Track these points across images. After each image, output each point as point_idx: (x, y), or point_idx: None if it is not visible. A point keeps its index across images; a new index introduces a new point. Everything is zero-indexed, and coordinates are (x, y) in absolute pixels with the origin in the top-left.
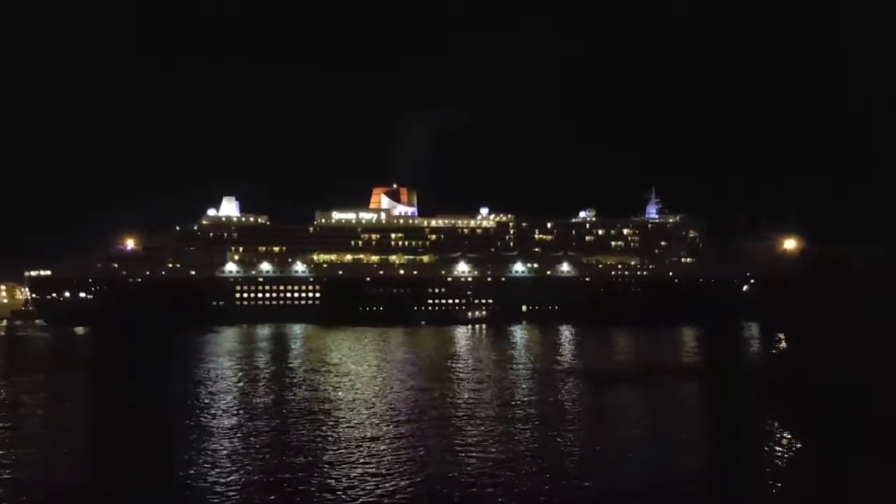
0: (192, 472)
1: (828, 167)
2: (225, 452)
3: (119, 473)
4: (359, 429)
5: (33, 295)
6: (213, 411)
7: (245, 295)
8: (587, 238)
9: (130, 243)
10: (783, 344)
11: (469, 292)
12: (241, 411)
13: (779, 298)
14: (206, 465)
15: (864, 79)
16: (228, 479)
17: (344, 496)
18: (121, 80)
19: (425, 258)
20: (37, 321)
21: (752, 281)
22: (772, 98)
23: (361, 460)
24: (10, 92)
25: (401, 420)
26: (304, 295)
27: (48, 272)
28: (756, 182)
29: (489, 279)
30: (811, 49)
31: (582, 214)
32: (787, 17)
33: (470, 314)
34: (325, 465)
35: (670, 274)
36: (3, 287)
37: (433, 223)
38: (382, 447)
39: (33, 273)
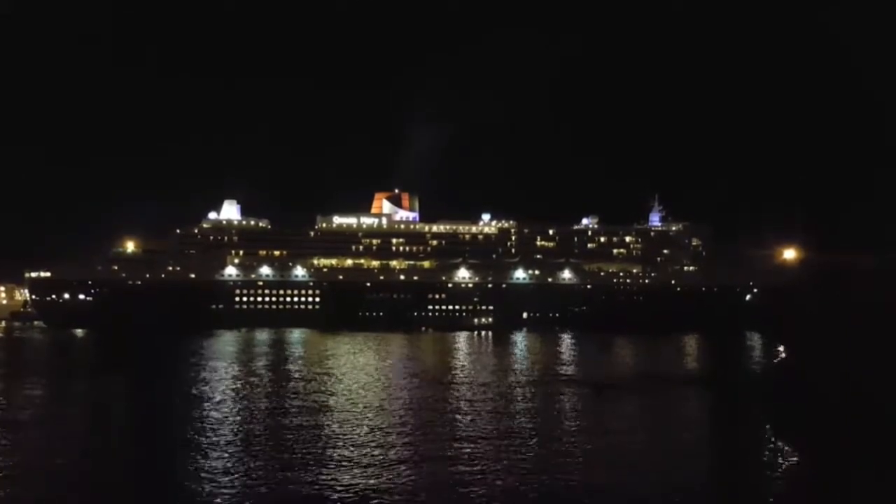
0: (188, 477)
1: (828, 176)
2: (222, 457)
3: (117, 477)
4: (358, 437)
5: (33, 296)
6: (210, 416)
7: (245, 299)
8: (589, 245)
9: (130, 246)
10: (784, 353)
11: (470, 298)
12: (238, 417)
13: (781, 307)
14: (204, 470)
15: (866, 85)
16: (226, 483)
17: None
18: (122, 82)
19: (426, 263)
20: (36, 323)
21: (754, 290)
22: (773, 104)
23: (360, 469)
24: (9, 95)
25: (400, 429)
26: (304, 299)
27: (48, 274)
28: (758, 190)
29: (490, 285)
30: (812, 55)
31: (584, 221)
32: (789, 21)
33: (476, 321)
34: (323, 473)
35: (673, 282)
36: (3, 288)
37: (434, 228)
38: (382, 455)
39: (33, 274)
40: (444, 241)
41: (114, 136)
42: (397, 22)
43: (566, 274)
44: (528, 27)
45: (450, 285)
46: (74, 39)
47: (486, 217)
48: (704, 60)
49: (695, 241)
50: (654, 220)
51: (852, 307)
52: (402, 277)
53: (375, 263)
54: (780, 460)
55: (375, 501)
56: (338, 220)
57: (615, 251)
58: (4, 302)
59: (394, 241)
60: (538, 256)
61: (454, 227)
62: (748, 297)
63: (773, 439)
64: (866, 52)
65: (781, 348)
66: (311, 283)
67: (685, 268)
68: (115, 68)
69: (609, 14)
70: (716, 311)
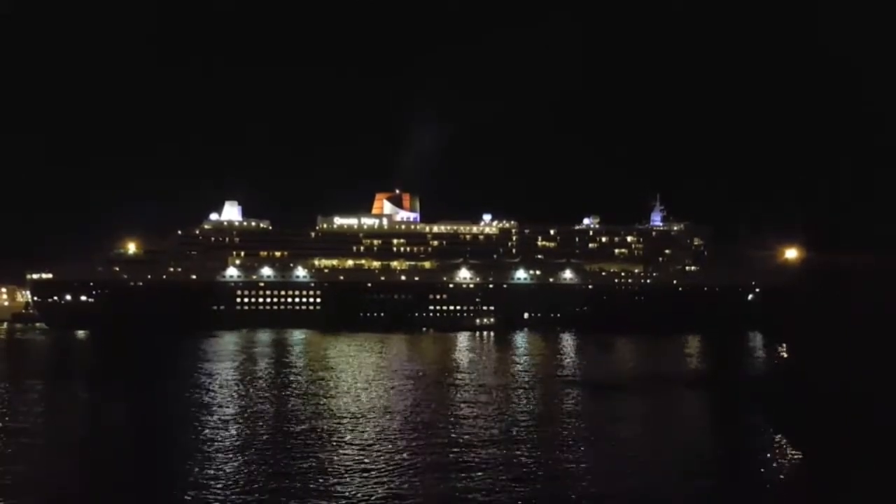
0: (189, 483)
1: (828, 176)
2: (224, 461)
3: (117, 479)
4: (360, 441)
5: (35, 298)
6: (211, 419)
7: (246, 299)
8: (590, 245)
9: (132, 247)
10: (785, 353)
11: (471, 299)
12: (240, 420)
13: (782, 307)
14: (205, 475)
15: (865, 85)
16: (229, 488)
17: None
18: (121, 81)
19: (427, 264)
20: (37, 324)
21: (756, 290)
22: (773, 104)
23: (361, 470)
24: (9, 94)
25: (403, 433)
26: (305, 300)
27: (49, 275)
28: (759, 190)
29: (491, 286)
30: (812, 55)
31: (585, 221)
32: (789, 21)
33: (478, 321)
34: (326, 479)
35: (674, 282)
36: (4, 290)
37: (435, 229)
38: (385, 459)
39: (35, 276)
40: (444, 242)
41: (114, 136)
42: (397, 21)
43: (567, 274)
44: (529, 27)
45: (451, 286)
46: (74, 38)
47: (486, 217)
48: (705, 60)
49: (696, 241)
50: (656, 219)
51: (853, 307)
52: (402, 278)
53: (376, 264)
54: (782, 460)
55: None
56: (338, 220)
57: (616, 251)
58: (6, 303)
59: (394, 241)
60: (539, 257)
61: (455, 228)
62: (750, 297)
63: (774, 439)
64: (866, 52)
65: (783, 348)
66: (312, 284)
67: (687, 268)
68: (115, 68)
69: (610, 13)
70: (717, 311)
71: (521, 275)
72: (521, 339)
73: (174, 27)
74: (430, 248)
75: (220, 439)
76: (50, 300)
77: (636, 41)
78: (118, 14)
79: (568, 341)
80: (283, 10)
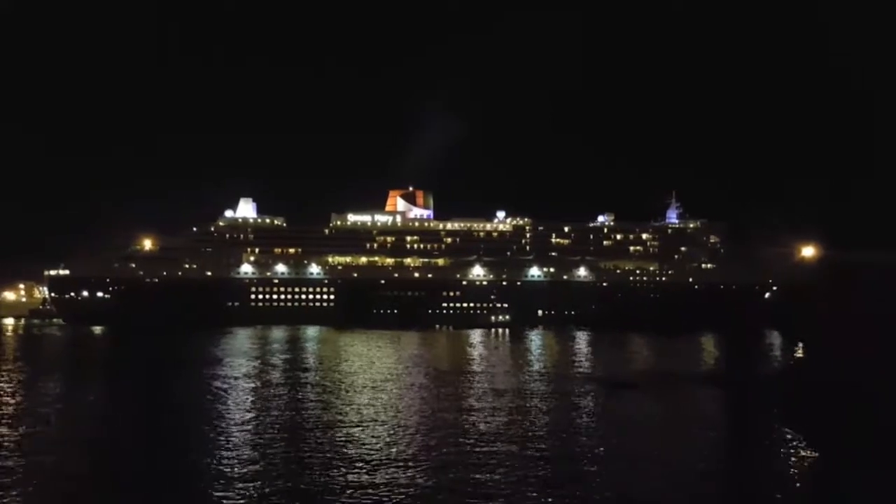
0: (200, 478)
1: (838, 171)
2: (236, 454)
3: (126, 475)
4: (371, 433)
5: (52, 294)
6: (223, 415)
7: (260, 296)
8: (605, 243)
9: (147, 244)
10: (802, 352)
11: (485, 296)
12: (250, 416)
13: (799, 306)
14: (215, 470)
15: (866, 80)
16: (239, 483)
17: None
18: (123, 82)
19: (440, 261)
20: (54, 320)
21: (774, 288)
22: (778, 100)
23: (374, 464)
24: (18, 90)
25: (414, 427)
26: (318, 297)
27: (67, 271)
28: (768, 188)
29: (505, 283)
30: (817, 53)
31: (600, 219)
32: (795, 19)
33: (493, 318)
34: (335, 471)
35: (690, 280)
36: (22, 286)
37: (449, 226)
38: (395, 451)
39: (53, 272)
40: (458, 239)
41: (115, 135)
42: (401, 18)
43: (581, 271)
44: (532, 25)
45: (464, 283)
46: (75, 38)
47: (500, 214)
48: (716, 58)
49: (712, 239)
50: (672, 217)
51: (869, 305)
52: (416, 275)
53: (390, 261)
54: (796, 460)
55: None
56: (352, 217)
57: (631, 249)
58: (24, 299)
59: (408, 238)
60: (553, 254)
61: (469, 225)
62: (767, 295)
63: (788, 438)
64: (868, 51)
65: (800, 347)
66: (326, 281)
67: (703, 265)
68: (115, 68)
69: (614, 13)
70: (734, 309)
71: (535, 272)
72: (535, 336)
73: (174, 27)
74: (443, 246)
75: (231, 437)
76: (67, 296)
77: (640, 40)
78: (119, 14)
79: (582, 339)
80: (285, 10)
